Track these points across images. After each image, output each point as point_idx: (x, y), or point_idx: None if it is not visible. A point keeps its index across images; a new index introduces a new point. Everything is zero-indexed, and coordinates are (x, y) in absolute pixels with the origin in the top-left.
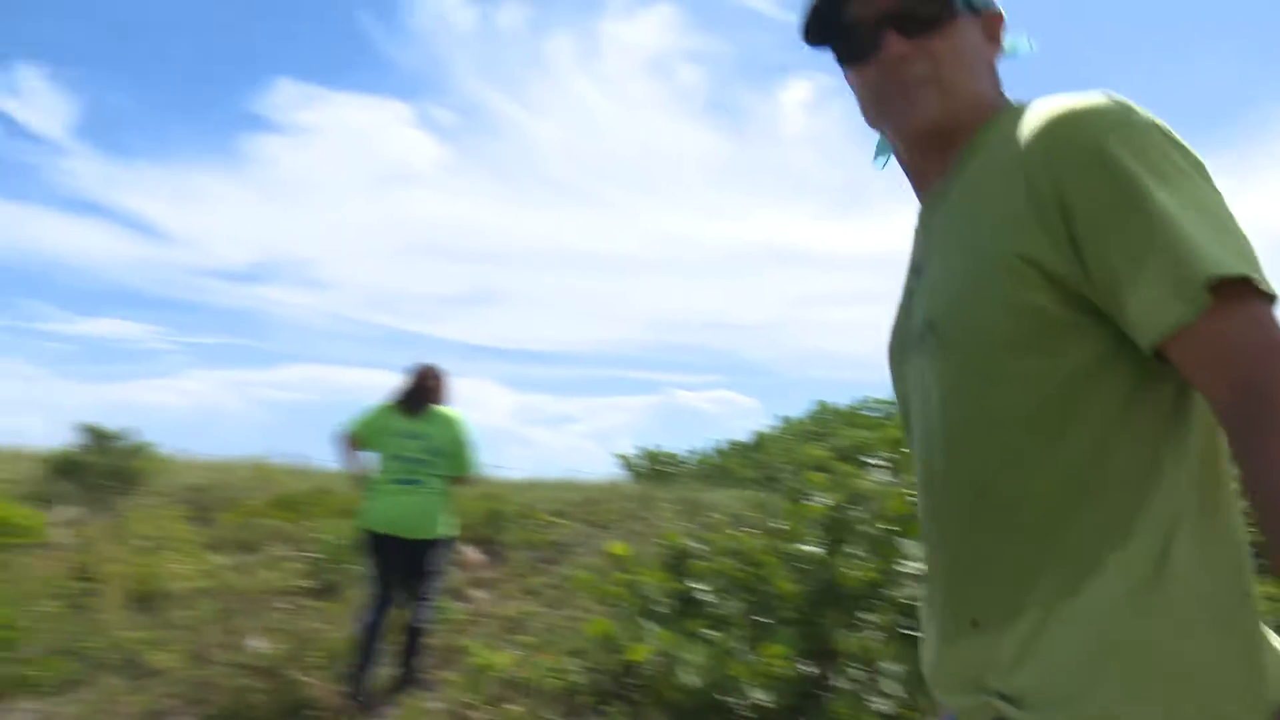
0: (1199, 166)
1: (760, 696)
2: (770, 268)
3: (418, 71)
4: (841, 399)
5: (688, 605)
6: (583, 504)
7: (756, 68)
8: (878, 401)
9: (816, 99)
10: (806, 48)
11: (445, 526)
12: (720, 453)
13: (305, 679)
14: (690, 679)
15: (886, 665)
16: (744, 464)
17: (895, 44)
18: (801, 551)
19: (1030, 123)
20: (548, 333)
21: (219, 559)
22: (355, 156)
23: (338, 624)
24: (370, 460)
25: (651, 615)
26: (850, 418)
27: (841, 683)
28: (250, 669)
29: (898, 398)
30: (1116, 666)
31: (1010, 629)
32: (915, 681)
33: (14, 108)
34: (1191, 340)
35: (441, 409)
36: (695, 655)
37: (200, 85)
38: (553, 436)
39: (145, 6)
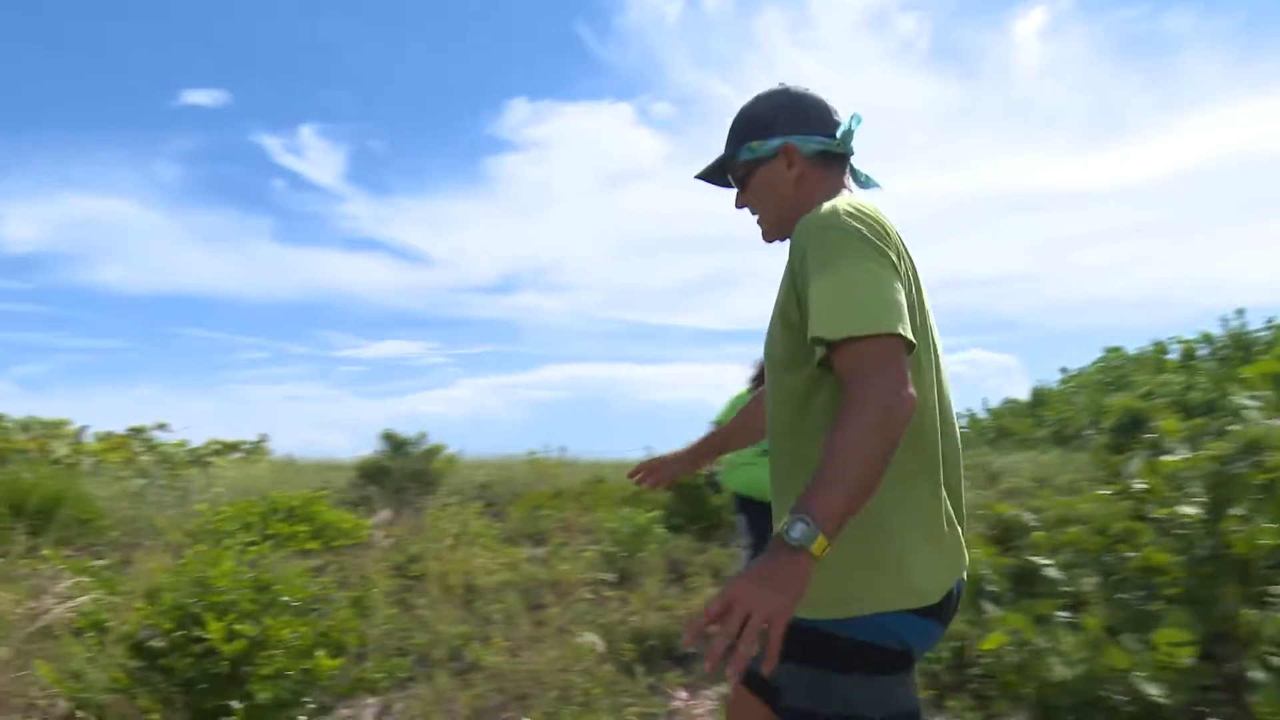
0: (862, 252)
1: (1153, 691)
2: (1012, 215)
3: (634, 70)
4: (1124, 344)
5: (1027, 584)
6: None
7: (979, 3)
8: (1181, 341)
9: (1053, 23)
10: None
11: None
12: (995, 413)
13: (633, 666)
14: (1061, 671)
15: None
16: (1027, 423)
17: (738, 197)
18: (1178, 515)
19: (803, 221)
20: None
21: (517, 551)
22: (584, 162)
23: (642, 612)
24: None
25: (984, 596)
26: (1154, 363)
27: (1258, 673)
28: (572, 660)
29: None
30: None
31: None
32: None
33: (298, 164)
34: (834, 355)
35: None
36: (1062, 642)
37: (444, 120)
38: None
39: (392, 60)
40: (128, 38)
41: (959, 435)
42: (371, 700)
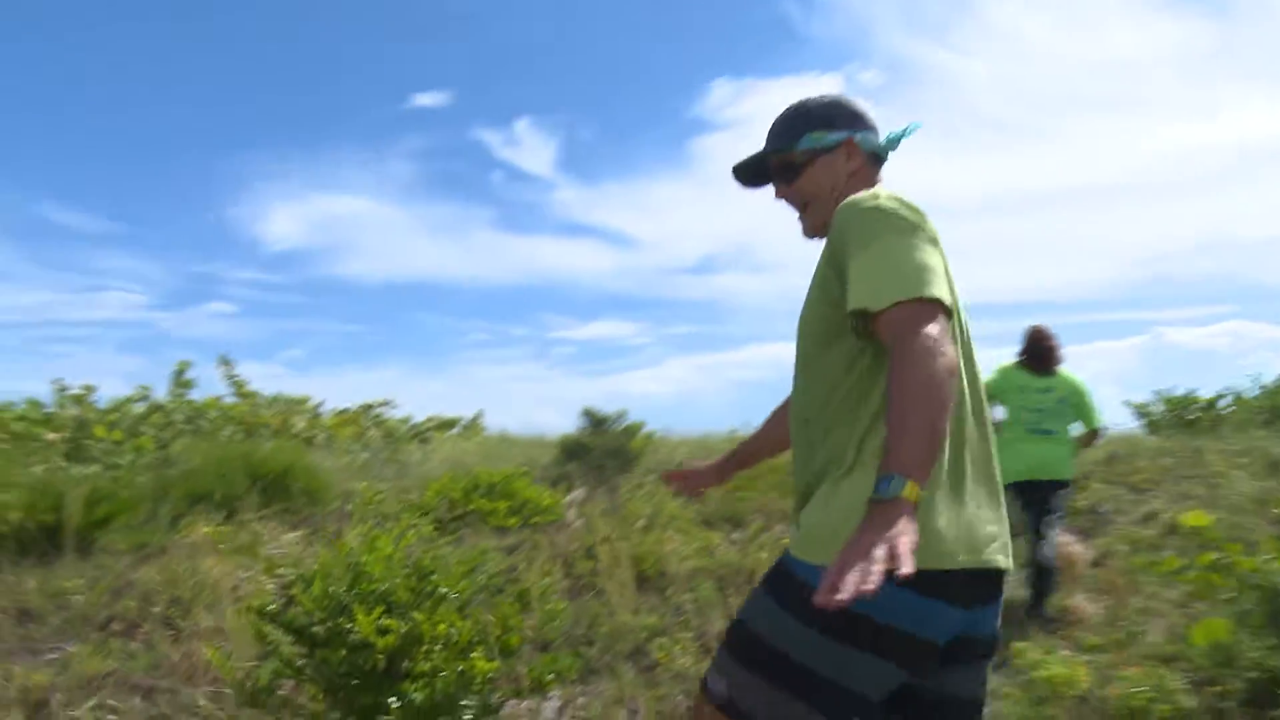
0: (901, 229)
1: None
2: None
3: (840, 41)
4: None
5: None
6: (1106, 462)
7: None
8: None
9: None
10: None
11: (1071, 471)
12: (1269, 392)
13: None
14: None
15: None
16: None
17: (777, 189)
18: None
19: (839, 210)
20: (1012, 282)
21: (713, 535)
22: None
23: None
24: (999, 413)
25: None
26: None
27: None
28: None
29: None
30: (832, 516)
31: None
32: None
33: (514, 156)
34: (879, 323)
35: (1062, 367)
36: None
37: (649, 104)
38: None
39: (599, 51)
40: (362, 51)
41: (990, 425)
42: (554, 694)
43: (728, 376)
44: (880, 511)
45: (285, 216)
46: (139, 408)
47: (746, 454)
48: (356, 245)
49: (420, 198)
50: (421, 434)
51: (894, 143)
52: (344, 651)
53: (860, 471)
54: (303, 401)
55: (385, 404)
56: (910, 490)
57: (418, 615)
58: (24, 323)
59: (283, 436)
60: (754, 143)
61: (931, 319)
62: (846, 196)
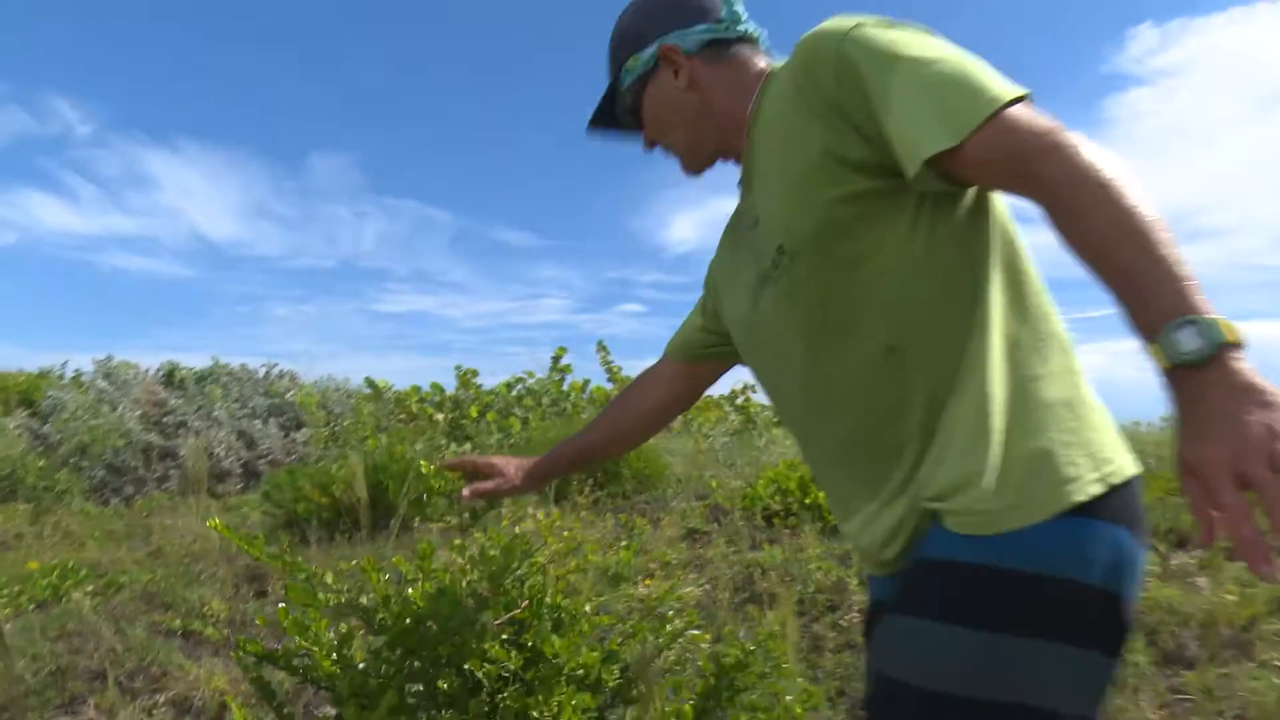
0: (912, 33)
1: None
2: None
3: None
4: None
5: None
6: None
7: None
8: None
9: None
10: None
11: None
12: None
13: None
14: None
15: None
16: None
17: (643, 137)
18: None
19: (787, 69)
20: None
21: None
22: (1227, 85)
23: None
24: None
25: None
26: None
27: None
28: None
29: (755, 372)
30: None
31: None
32: None
33: None
34: (965, 159)
35: None
36: None
37: (1057, 60)
38: None
39: (1000, 5)
40: None
41: None
42: None
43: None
44: (1212, 377)
45: (683, 222)
46: (517, 391)
47: (571, 455)
48: None
49: None
50: None
51: (735, 18)
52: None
53: (1013, 376)
54: None
55: (750, 389)
56: (1228, 328)
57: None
58: (481, 327)
59: None
60: (1185, 96)
61: (1043, 114)
62: (710, 109)
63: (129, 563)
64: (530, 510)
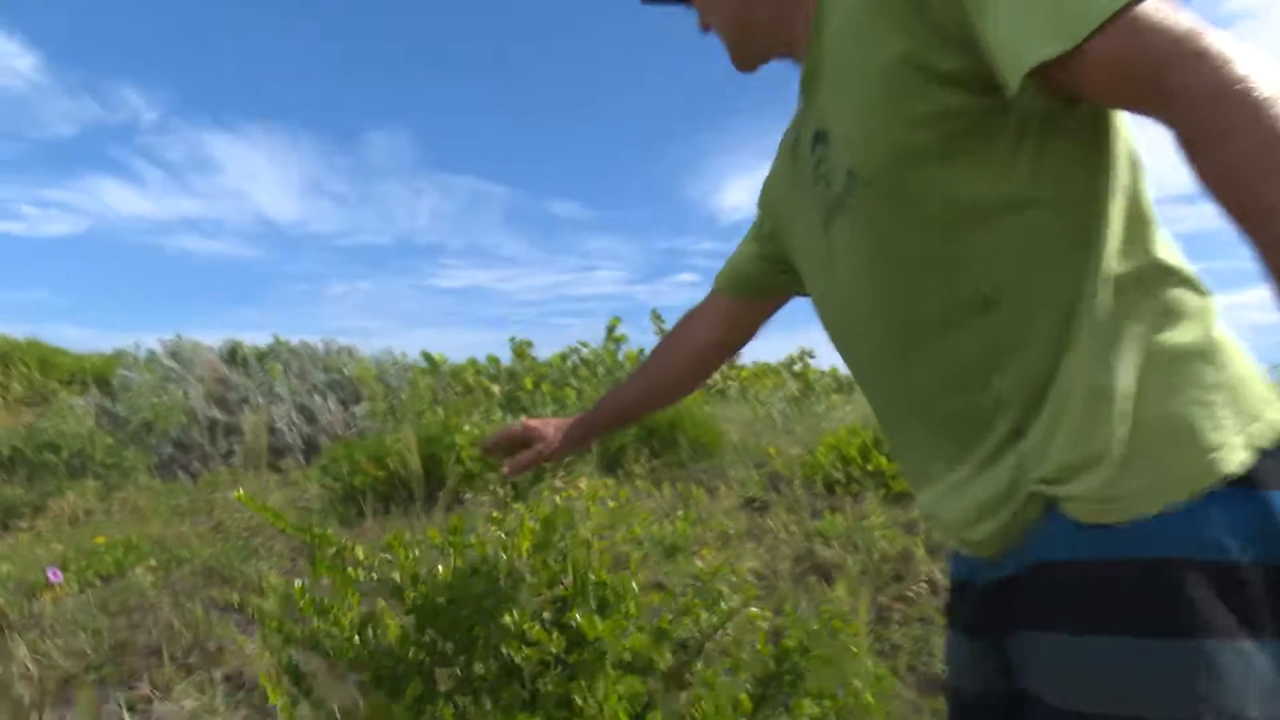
0: None
1: None
2: None
3: None
4: None
5: None
6: None
7: None
8: None
9: None
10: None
11: None
12: None
13: None
14: None
15: None
16: None
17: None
18: None
19: None
20: None
21: None
22: None
23: None
24: None
25: None
26: None
27: None
28: None
29: (820, 311)
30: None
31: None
32: None
33: None
34: (1083, 71)
35: None
36: None
37: None
38: None
39: None
40: None
41: None
42: None
43: (1244, 320)
44: None
45: (737, 187)
46: (571, 362)
47: (610, 411)
48: None
49: None
50: (846, 385)
51: None
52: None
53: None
54: None
55: (808, 354)
56: None
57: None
58: (537, 300)
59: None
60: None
61: (1181, 12)
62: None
63: (191, 538)
64: (582, 483)
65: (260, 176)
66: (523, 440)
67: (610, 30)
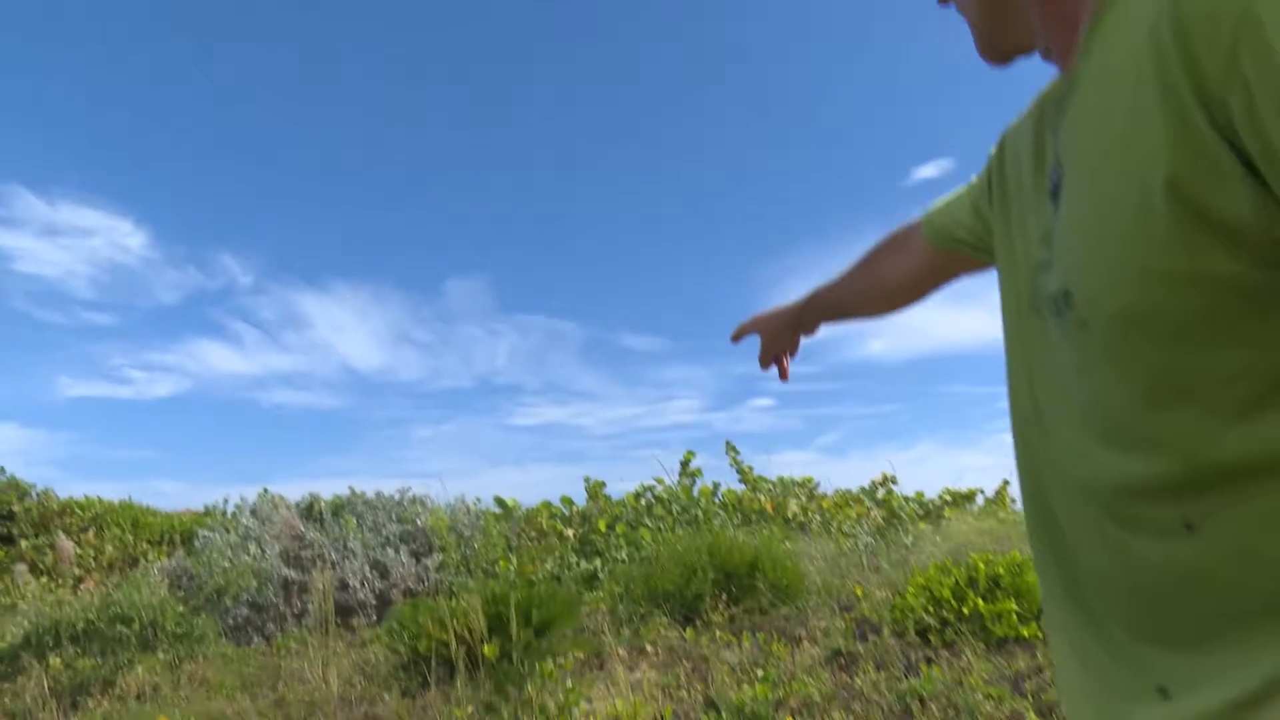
0: None
1: None
2: None
3: None
4: None
5: None
6: None
7: None
8: None
9: None
10: None
11: None
12: None
13: None
14: None
15: None
16: None
17: None
18: None
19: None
20: None
21: None
22: None
23: None
24: None
25: None
26: None
27: None
28: None
29: (1011, 363)
30: None
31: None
32: None
33: None
34: None
35: None
36: None
37: None
38: None
39: None
40: (866, 131)
41: None
42: None
43: None
44: None
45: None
46: (645, 500)
47: (826, 306)
48: (875, 325)
49: None
50: (933, 512)
51: None
52: None
53: None
54: (805, 483)
55: (889, 480)
56: None
57: None
58: (614, 433)
59: (774, 521)
60: None
61: None
62: None
63: (253, 714)
64: (649, 645)
65: (347, 329)
66: (775, 356)
67: (675, 168)
